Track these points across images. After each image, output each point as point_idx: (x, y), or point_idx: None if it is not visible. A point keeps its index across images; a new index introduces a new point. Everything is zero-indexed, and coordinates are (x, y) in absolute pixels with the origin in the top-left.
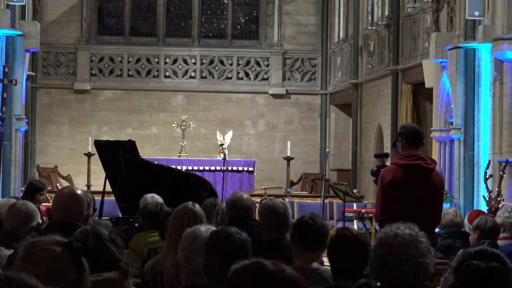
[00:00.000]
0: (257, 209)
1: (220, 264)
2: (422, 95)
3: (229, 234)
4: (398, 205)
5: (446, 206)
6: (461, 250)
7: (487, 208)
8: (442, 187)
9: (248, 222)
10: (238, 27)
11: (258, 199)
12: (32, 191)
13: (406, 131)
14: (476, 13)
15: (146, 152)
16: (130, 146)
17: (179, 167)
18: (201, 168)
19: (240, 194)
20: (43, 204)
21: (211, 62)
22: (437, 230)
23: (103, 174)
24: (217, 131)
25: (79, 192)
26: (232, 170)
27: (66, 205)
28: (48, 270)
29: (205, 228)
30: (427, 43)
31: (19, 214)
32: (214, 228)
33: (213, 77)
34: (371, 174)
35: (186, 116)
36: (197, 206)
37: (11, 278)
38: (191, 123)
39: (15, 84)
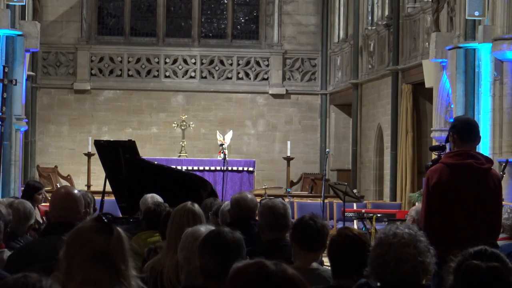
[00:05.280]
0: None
1: (215, 264)
2: (422, 95)
3: (221, 233)
4: (445, 211)
5: None
6: None
7: None
8: (498, 190)
9: (249, 222)
10: (238, 27)
11: (258, 199)
12: (30, 191)
13: (458, 124)
14: (476, 13)
15: (146, 152)
16: (130, 146)
17: (179, 167)
18: (201, 168)
19: (245, 194)
20: (42, 204)
21: (211, 62)
22: None
23: (103, 174)
24: (217, 131)
25: (75, 191)
26: (232, 170)
27: (63, 205)
28: (75, 244)
29: (205, 229)
30: (427, 43)
31: (17, 213)
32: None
33: (213, 77)
34: (425, 170)
35: (186, 116)
36: (196, 206)
37: (28, 281)
38: (191, 123)
39: (15, 84)
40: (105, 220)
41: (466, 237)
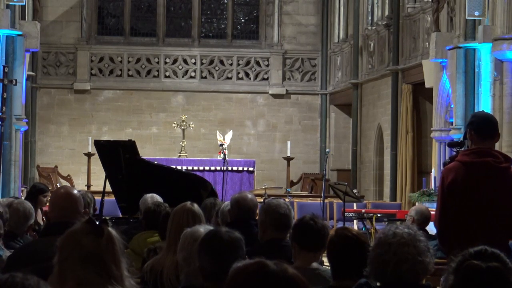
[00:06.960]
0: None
1: (212, 264)
2: (422, 95)
3: (218, 233)
4: (460, 210)
5: None
6: None
7: None
8: None
9: (248, 222)
10: (238, 27)
11: (258, 199)
12: (35, 193)
13: (475, 120)
14: (476, 13)
15: (146, 152)
16: (130, 146)
17: (179, 167)
18: (201, 168)
19: (244, 194)
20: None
21: (211, 62)
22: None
23: (103, 174)
24: (217, 131)
25: (75, 191)
26: (232, 170)
27: (62, 205)
28: (66, 247)
29: (205, 229)
30: (427, 43)
31: (17, 213)
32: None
33: (213, 77)
34: (443, 167)
35: (186, 116)
36: (195, 205)
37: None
38: (191, 123)
39: (15, 84)
40: (96, 222)
41: (482, 237)
